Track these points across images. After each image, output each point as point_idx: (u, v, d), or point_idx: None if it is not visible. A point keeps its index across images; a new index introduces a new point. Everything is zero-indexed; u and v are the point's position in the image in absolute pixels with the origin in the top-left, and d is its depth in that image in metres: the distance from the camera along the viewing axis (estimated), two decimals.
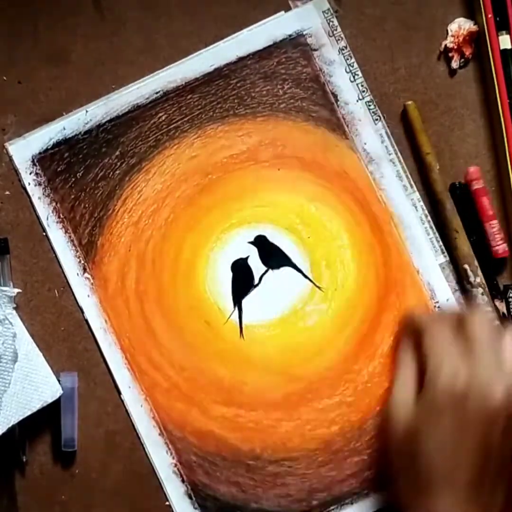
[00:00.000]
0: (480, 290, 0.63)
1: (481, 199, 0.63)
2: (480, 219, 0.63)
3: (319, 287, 0.64)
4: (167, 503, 0.63)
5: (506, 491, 0.52)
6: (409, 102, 0.64)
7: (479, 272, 0.63)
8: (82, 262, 0.64)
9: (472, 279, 0.63)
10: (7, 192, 0.64)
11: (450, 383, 0.51)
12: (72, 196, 0.64)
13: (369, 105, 0.64)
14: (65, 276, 0.64)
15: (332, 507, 0.63)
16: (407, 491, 0.53)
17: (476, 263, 0.63)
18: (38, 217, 0.64)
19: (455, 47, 0.64)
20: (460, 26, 0.64)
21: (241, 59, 0.65)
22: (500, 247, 0.63)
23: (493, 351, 0.52)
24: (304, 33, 0.64)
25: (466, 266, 0.63)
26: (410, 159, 0.64)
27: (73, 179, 0.64)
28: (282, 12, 0.65)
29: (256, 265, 0.64)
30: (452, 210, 0.63)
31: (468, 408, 0.50)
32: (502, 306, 0.63)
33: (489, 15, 0.63)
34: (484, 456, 0.51)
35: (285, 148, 0.65)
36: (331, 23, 0.64)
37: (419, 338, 0.54)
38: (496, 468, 0.51)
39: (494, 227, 0.63)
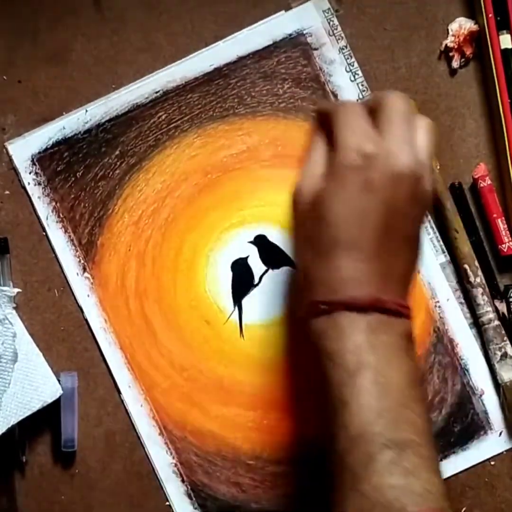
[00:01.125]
0: (480, 290, 0.63)
1: (490, 196, 0.63)
2: (487, 217, 0.63)
3: None
4: (167, 503, 0.63)
5: (409, 253, 0.52)
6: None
7: (479, 272, 0.63)
8: (82, 261, 0.64)
9: (472, 279, 0.63)
10: (7, 192, 0.64)
11: (358, 147, 0.50)
12: (72, 196, 0.64)
13: None
14: (65, 276, 0.64)
15: None
16: (310, 257, 0.52)
17: (476, 263, 0.63)
18: (38, 217, 0.64)
19: (456, 46, 0.64)
20: (461, 25, 0.64)
21: (241, 58, 0.64)
22: (509, 244, 0.63)
23: (406, 125, 0.52)
24: (304, 32, 0.64)
25: (466, 266, 0.63)
26: None
27: (73, 179, 0.64)
28: (282, 12, 0.64)
29: (256, 265, 0.64)
30: (452, 210, 0.63)
31: (374, 172, 0.50)
32: (502, 307, 0.63)
33: (490, 15, 0.62)
34: (389, 218, 0.50)
35: (285, 147, 0.65)
36: (331, 23, 0.64)
37: (331, 122, 0.53)
38: (401, 232, 0.51)
39: (504, 224, 0.63)
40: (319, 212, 0.51)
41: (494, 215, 0.63)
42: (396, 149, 0.50)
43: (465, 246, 0.63)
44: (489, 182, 0.63)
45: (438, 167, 0.63)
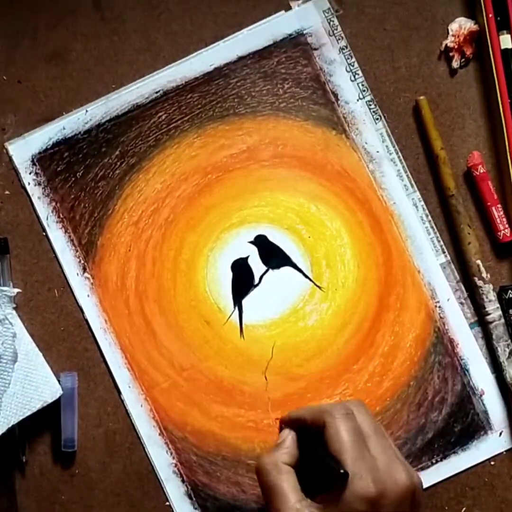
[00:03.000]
0: (491, 286, 0.63)
1: (485, 183, 0.63)
2: (484, 204, 0.63)
3: (319, 287, 0.64)
4: (167, 503, 0.63)
5: None
6: (422, 97, 0.63)
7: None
8: (82, 262, 0.64)
9: (484, 274, 0.63)
10: (7, 192, 0.64)
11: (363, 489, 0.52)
12: (72, 196, 0.64)
13: (370, 105, 0.64)
14: (65, 276, 0.64)
15: None
16: None
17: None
18: (38, 217, 0.64)
19: (456, 46, 0.64)
20: (461, 25, 0.64)
21: (241, 58, 0.64)
22: (507, 231, 0.63)
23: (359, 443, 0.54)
24: (305, 32, 0.64)
25: (479, 261, 0.63)
26: (411, 158, 0.64)
27: (73, 179, 0.64)
28: (282, 12, 0.64)
29: (256, 265, 0.64)
30: (467, 205, 0.63)
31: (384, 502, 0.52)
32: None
33: (490, 15, 0.62)
34: None
35: (285, 147, 0.65)
36: (331, 23, 0.64)
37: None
38: None
39: (500, 211, 0.63)
40: None
41: (489, 203, 0.63)
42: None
43: (478, 241, 0.63)
44: (482, 170, 0.63)
45: (446, 159, 0.63)
